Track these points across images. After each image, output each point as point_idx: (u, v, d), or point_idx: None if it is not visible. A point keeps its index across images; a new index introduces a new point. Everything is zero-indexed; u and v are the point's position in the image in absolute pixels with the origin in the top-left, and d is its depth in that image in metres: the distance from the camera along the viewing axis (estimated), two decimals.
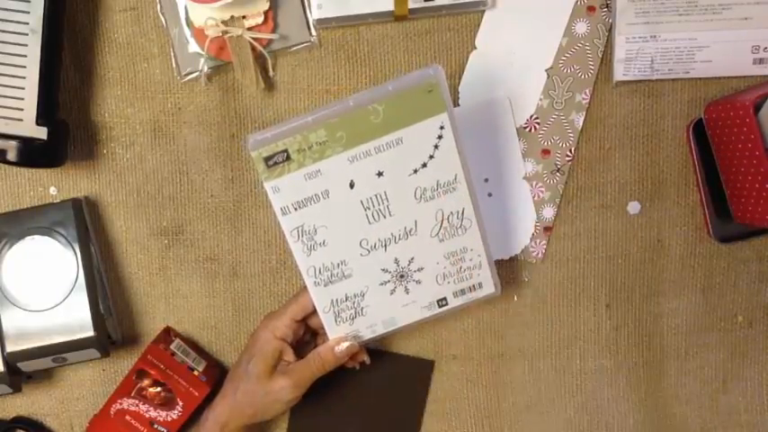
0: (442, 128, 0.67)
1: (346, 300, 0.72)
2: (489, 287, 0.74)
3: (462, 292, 0.74)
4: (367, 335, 0.74)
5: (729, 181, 0.79)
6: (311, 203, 0.68)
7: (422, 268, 0.72)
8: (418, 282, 0.72)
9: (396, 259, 0.71)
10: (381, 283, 0.72)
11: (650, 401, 0.85)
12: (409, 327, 0.75)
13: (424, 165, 0.68)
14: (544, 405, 0.85)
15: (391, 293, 0.73)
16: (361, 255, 0.70)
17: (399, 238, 0.70)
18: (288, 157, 0.66)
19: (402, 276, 0.72)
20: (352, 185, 0.68)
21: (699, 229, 0.83)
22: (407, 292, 0.73)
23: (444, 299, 0.74)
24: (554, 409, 0.85)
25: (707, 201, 0.81)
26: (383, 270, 0.71)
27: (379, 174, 0.68)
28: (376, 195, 0.69)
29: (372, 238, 0.70)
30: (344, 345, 0.74)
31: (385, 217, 0.69)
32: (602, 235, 0.83)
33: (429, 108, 0.66)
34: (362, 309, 0.73)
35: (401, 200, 0.69)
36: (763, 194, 0.74)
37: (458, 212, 0.70)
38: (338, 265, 0.71)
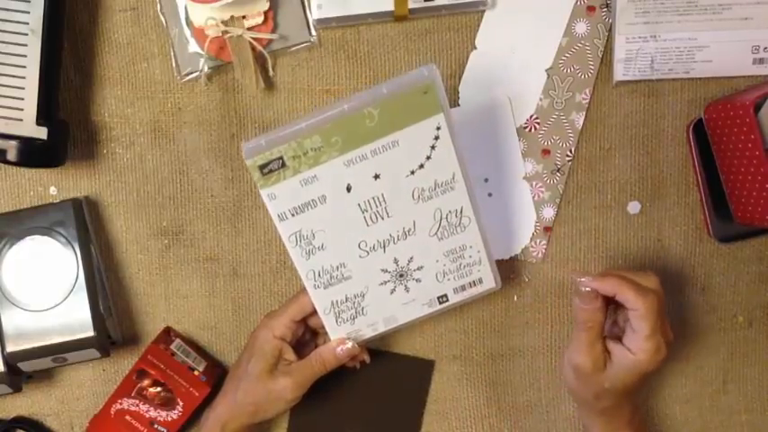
0: (438, 128, 0.66)
1: (346, 301, 0.72)
2: (489, 282, 0.74)
3: (462, 288, 0.73)
4: (368, 333, 0.74)
5: (729, 181, 0.79)
6: (308, 209, 0.67)
7: (421, 267, 0.72)
8: (418, 280, 0.72)
9: (395, 259, 0.71)
10: (381, 283, 0.72)
11: (650, 401, 0.85)
12: (410, 324, 0.75)
13: (422, 166, 0.67)
14: (544, 405, 0.85)
15: (391, 293, 0.72)
16: (360, 256, 0.70)
17: (398, 239, 0.70)
18: (283, 164, 0.65)
19: (402, 276, 0.72)
20: (348, 189, 0.67)
21: (699, 229, 0.83)
22: (407, 291, 0.72)
23: (445, 296, 0.74)
24: (554, 409, 0.85)
25: (707, 201, 0.81)
26: (383, 270, 0.71)
27: (376, 176, 0.67)
28: (373, 198, 0.68)
29: (371, 239, 0.70)
30: (346, 347, 0.74)
31: (383, 218, 0.69)
32: (602, 235, 0.83)
33: (425, 109, 0.65)
34: (363, 308, 0.73)
35: (399, 201, 0.68)
36: (763, 194, 0.74)
37: (456, 211, 0.70)
38: (337, 267, 0.70)
